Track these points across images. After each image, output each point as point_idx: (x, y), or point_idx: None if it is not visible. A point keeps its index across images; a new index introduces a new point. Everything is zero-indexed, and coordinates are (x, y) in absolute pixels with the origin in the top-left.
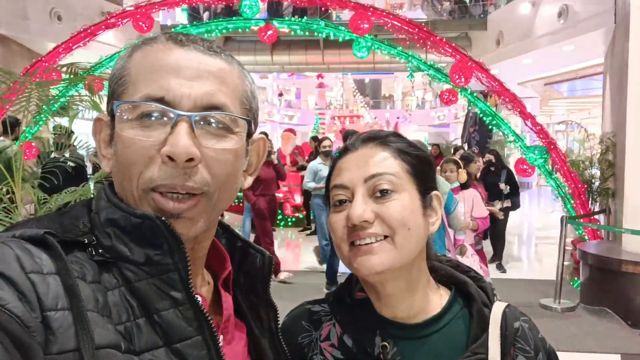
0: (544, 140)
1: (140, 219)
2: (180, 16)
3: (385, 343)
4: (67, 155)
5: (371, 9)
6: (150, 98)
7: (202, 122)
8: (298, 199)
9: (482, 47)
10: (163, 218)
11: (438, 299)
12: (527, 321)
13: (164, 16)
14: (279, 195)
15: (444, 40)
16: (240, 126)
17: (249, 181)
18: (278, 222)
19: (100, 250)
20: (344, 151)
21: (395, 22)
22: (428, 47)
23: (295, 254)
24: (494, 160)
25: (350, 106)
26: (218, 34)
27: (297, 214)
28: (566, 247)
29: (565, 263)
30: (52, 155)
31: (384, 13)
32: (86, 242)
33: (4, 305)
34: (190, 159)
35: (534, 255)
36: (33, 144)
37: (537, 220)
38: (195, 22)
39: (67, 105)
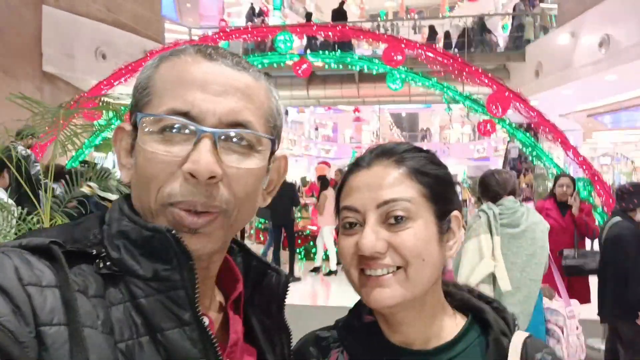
0: (587, 172)
1: (151, 232)
2: None
3: None
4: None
5: (404, 41)
6: (175, 112)
7: (225, 140)
8: None
9: (520, 78)
10: (174, 232)
11: (453, 325)
12: (551, 353)
13: None
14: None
15: (480, 70)
16: (263, 144)
17: (267, 200)
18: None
19: (107, 263)
20: (355, 166)
21: (429, 54)
22: (464, 77)
23: None
24: None
25: (387, 140)
26: None
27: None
28: None
29: None
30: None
31: (417, 45)
32: (94, 253)
33: None
34: (212, 177)
35: None
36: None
37: None
38: None
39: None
